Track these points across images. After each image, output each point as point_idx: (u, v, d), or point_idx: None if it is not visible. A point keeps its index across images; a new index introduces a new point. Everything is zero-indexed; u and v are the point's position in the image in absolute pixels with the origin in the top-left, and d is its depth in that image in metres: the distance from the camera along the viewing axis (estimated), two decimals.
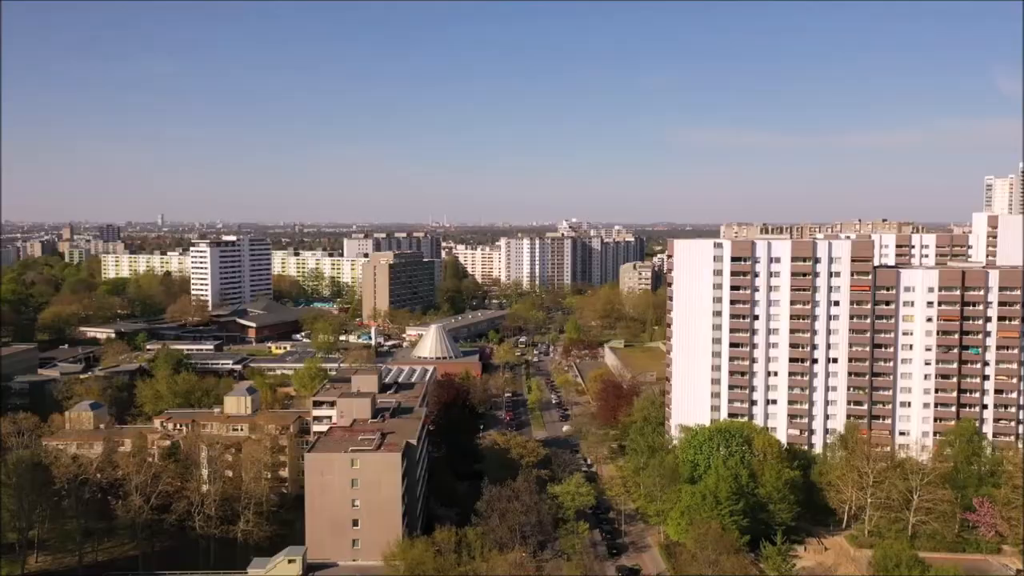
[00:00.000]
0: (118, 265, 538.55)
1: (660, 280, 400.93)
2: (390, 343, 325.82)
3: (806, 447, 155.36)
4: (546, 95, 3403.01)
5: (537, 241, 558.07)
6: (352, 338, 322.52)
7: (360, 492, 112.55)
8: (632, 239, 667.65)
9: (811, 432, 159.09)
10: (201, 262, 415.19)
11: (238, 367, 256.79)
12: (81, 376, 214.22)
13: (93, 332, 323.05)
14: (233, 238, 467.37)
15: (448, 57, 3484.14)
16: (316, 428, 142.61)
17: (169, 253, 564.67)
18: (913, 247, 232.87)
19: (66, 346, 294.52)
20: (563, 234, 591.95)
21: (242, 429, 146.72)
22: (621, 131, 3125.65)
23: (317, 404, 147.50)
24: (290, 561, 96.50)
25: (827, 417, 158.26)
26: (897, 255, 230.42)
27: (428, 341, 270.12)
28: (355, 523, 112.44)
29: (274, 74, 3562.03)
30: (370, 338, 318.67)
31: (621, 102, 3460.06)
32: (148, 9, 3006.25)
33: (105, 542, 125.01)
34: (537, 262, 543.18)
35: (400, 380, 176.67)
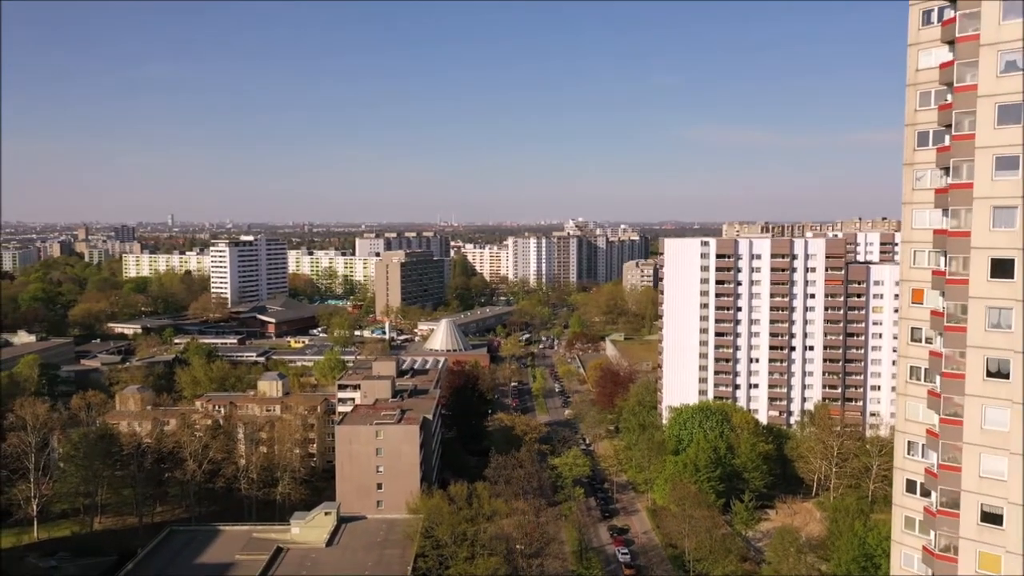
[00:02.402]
0: (139, 265, 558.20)
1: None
2: (402, 337, 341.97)
3: (785, 427, 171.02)
4: (553, 96, 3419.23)
5: (543, 240, 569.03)
6: (367, 333, 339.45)
7: (384, 459, 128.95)
8: (637, 238, 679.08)
9: (789, 413, 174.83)
10: (220, 261, 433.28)
11: (261, 359, 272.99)
12: (121, 366, 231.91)
13: (120, 328, 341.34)
14: (251, 238, 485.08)
15: (454, 58, 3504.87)
16: (341, 408, 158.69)
17: (187, 253, 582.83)
18: (896, 244, 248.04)
19: (98, 340, 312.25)
20: (569, 233, 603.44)
21: (275, 410, 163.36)
22: (628, 131, 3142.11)
23: (342, 387, 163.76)
24: (326, 514, 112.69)
25: (804, 400, 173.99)
26: (881, 251, 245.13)
27: (439, 334, 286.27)
28: (379, 486, 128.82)
29: (281, 75, 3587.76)
30: (384, 332, 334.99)
31: (628, 102, 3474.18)
32: (146, 10, 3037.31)
33: (158, 507, 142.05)
34: (543, 260, 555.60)
35: (415, 368, 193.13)
